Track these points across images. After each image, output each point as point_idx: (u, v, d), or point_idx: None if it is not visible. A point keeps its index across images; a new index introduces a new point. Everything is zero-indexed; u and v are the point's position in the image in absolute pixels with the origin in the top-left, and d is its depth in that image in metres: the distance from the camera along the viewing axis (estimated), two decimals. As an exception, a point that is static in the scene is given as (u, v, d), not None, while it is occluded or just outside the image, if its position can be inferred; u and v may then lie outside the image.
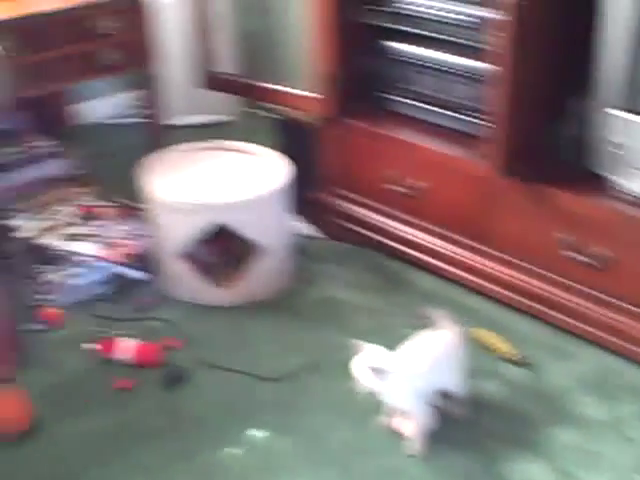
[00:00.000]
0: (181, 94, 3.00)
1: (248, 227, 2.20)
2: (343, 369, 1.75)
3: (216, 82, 2.69)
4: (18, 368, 1.97)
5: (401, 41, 2.34)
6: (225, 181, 2.26)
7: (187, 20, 2.67)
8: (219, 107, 3.09)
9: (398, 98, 2.40)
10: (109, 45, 2.38)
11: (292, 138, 2.48)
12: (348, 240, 2.56)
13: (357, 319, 2.24)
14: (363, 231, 2.52)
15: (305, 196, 2.54)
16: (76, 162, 2.69)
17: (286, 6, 2.46)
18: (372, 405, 1.79)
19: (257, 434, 1.84)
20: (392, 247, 2.45)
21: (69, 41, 2.31)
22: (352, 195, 2.53)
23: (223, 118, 3.25)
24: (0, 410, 1.84)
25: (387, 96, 2.42)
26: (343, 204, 2.55)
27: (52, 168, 2.62)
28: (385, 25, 2.32)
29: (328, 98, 2.41)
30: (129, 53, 2.46)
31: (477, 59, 2.14)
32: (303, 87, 2.47)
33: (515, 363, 2.04)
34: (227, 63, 2.67)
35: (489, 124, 2.08)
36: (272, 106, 2.63)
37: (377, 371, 1.67)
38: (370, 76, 2.42)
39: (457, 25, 2.15)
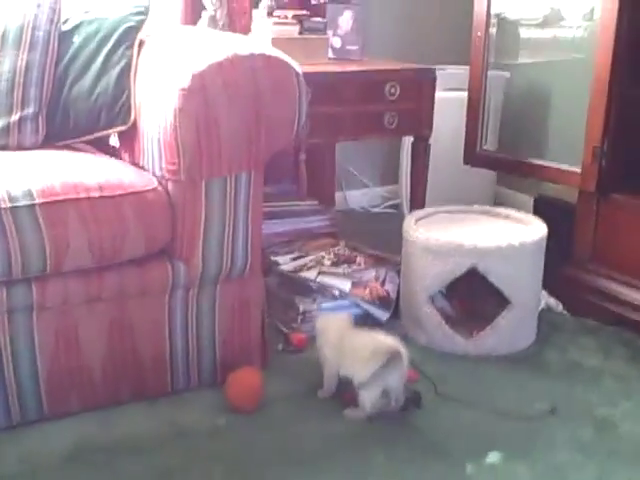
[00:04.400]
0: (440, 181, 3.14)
1: (499, 276, 2.21)
2: (587, 418, 1.90)
3: (481, 159, 2.81)
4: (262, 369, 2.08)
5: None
6: (483, 233, 2.31)
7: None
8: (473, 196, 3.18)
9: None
10: (392, 109, 2.58)
11: (548, 216, 2.50)
12: (597, 318, 2.47)
13: (603, 381, 2.14)
14: (616, 308, 2.42)
15: (557, 272, 2.52)
16: (333, 221, 2.88)
17: (556, 83, 2.57)
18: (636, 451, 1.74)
19: (496, 458, 1.78)
20: (647, 325, 2.33)
21: (359, 100, 2.53)
22: (608, 271, 2.46)
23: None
24: (239, 390, 1.95)
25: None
26: (597, 280, 2.49)
27: (314, 223, 2.83)
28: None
29: (590, 173, 2.42)
30: (409, 119, 2.63)
31: None
32: (565, 162, 2.52)
33: None
34: (491, 142, 2.80)
35: None
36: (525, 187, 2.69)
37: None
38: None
39: None
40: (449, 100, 3.09)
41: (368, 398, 1.90)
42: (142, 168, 1.95)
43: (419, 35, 3.53)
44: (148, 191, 1.82)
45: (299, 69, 1.88)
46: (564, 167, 2.52)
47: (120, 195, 1.78)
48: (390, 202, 3.75)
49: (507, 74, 2.84)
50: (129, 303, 1.88)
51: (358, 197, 3.73)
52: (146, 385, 1.97)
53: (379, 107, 2.56)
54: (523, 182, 3.14)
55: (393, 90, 2.55)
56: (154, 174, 1.89)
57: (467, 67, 2.83)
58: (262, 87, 1.81)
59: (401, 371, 1.90)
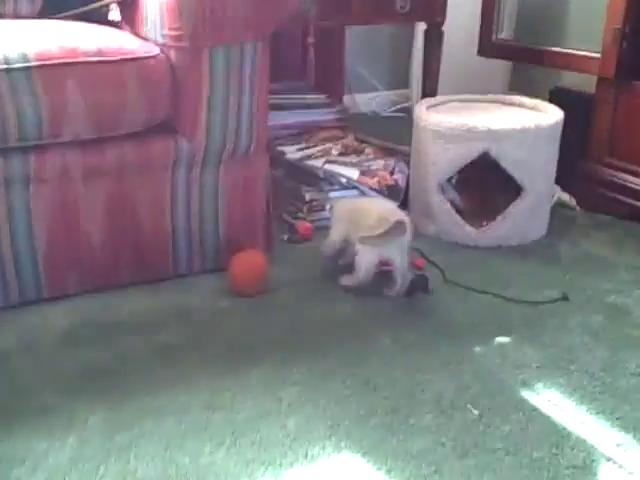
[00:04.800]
0: (453, 72, 3.03)
1: (512, 161, 2.13)
2: (599, 305, 1.86)
3: (495, 49, 2.70)
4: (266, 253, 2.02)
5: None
6: (496, 118, 2.22)
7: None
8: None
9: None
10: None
11: (564, 108, 2.40)
12: (612, 213, 2.41)
13: (615, 271, 2.09)
14: (631, 201, 2.35)
15: (572, 167, 2.45)
16: (342, 114, 2.79)
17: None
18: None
19: (505, 340, 1.74)
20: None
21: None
22: (625, 164, 2.38)
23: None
24: (243, 271, 1.91)
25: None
26: (613, 174, 2.41)
27: (322, 115, 2.74)
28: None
29: (610, 57, 2.32)
30: (422, 3, 2.51)
31: None
32: (583, 48, 2.42)
33: None
34: (506, 31, 2.69)
35: None
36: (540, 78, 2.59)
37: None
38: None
39: None
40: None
41: (363, 262, 1.87)
42: (144, 38, 1.85)
43: None
44: (149, 57, 1.73)
45: None
46: (583, 53, 2.43)
47: (120, 60, 1.68)
48: (400, 105, 3.65)
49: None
50: (129, 178, 1.81)
51: (367, 100, 3.64)
52: (147, 267, 1.92)
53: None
54: (539, 74, 3.03)
55: (406, -29, 2.43)
56: (156, 43, 1.79)
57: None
58: (268, -54, 1.71)
59: (401, 243, 1.87)
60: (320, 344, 1.71)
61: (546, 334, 1.78)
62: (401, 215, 1.89)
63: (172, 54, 1.77)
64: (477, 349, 1.71)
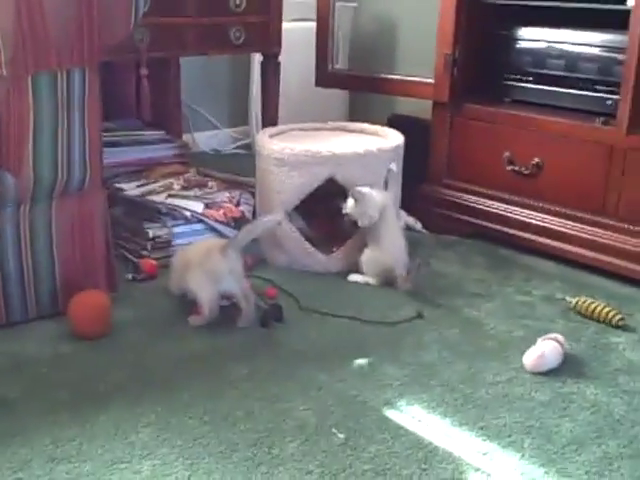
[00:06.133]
0: (292, 104, 3.03)
1: (358, 184, 2.12)
2: (453, 319, 1.90)
3: (332, 79, 2.72)
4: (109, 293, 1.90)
5: (527, 24, 2.33)
6: (339, 145, 2.21)
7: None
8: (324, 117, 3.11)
9: (515, 83, 2.36)
10: (238, 22, 2.43)
11: (403, 134, 2.45)
12: (456, 232, 2.46)
13: (464, 286, 2.13)
14: (473, 220, 2.41)
15: (414, 191, 2.48)
16: (182, 150, 2.71)
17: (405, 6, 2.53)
18: (501, 346, 1.77)
19: (364, 361, 1.71)
20: (504, 232, 2.34)
21: (203, 11, 2.37)
22: (464, 184, 2.44)
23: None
24: (84, 312, 1.78)
25: (506, 82, 2.38)
26: (453, 194, 2.46)
27: (161, 152, 2.65)
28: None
29: (443, 82, 2.38)
30: (257, 34, 2.50)
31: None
32: (417, 74, 2.48)
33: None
34: (342, 61, 2.72)
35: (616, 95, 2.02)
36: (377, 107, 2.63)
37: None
38: (489, 62, 2.40)
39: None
40: (297, 30, 3.02)
41: (205, 300, 1.83)
42: (-43, 70, 1.71)
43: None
44: (-36, 86, 1.59)
45: (134, -47, 1.71)
46: (417, 79, 2.48)
47: None
48: (241, 142, 3.62)
49: (355, 4, 2.77)
50: (-51, 220, 1.65)
51: (207, 139, 3.58)
52: (-25, 316, 1.75)
53: (224, 19, 2.40)
54: (376, 103, 3.09)
55: (238, 1, 2.40)
56: (-28, 72, 1.66)
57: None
58: (92, -32, 1.62)
59: (234, 270, 1.85)
60: (173, 381, 1.60)
61: (405, 352, 1.76)
62: (220, 243, 1.89)
63: (-9, 83, 1.64)
64: (337, 372, 1.66)
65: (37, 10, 1.58)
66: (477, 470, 1.36)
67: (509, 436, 1.45)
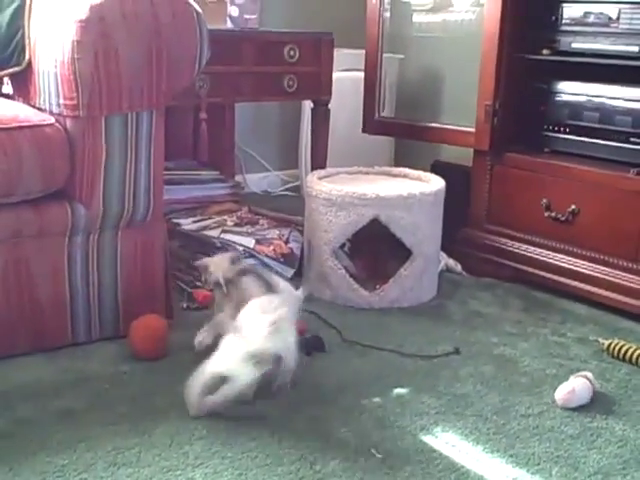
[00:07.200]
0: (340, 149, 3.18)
1: (400, 226, 2.24)
2: (488, 356, 1.99)
3: (378, 126, 2.87)
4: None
5: (565, 78, 2.44)
6: (384, 188, 2.34)
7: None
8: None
9: (554, 134, 2.47)
10: (292, 71, 2.60)
11: (444, 180, 2.57)
12: (495, 275, 2.56)
13: (500, 326, 2.21)
14: (511, 264, 2.51)
15: (455, 234, 2.60)
16: (235, 189, 2.87)
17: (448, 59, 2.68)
18: (534, 382, 1.86)
19: (403, 391, 1.81)
20: (541, 276, 2.44)
21: (259, 61, 2.55)
22: (503, 229, 2.55)
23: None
24: (144, 334, 1.91)
25: (544, 133, 2.49)
26: (493, 239, 2.57)
27: (215, 190, 2.81)
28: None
29: (483, 131, 2.51)
30: (308, 82, 2.66)
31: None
32: (459, 123, 2.61)
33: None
34: (387, 109, 2.86)
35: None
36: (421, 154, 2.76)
37: None
38: (528, 113, 2.52)
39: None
40: (346, 79, 3.17)
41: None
42: (38, 109, 1.88)
43: (313, 14, 3.56)
44: (45, 125, 1.77)
45: (199, 8, 1.87)
46: (459, 128, 2.61)
47: (16, 128, 1.71)
48: (290, 185, 3.77)
49: (401, 56, 2.92)
50: (25, 245, 1.80)
51: (258, 180, 3.74)
52: (45, 335, 1.89)
53: (278, 69, 2.57)
54: (420, 150, 3.22)
55: (292, 53, 2.57)
56: (51, 112, 1.83)
57: (361, 50, 2.90)
58: (162, 20, 1.78)
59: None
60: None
61: (441, 384, 1.85)
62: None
63: (68, 123, 1.80)
64: (377, 400, 1.76)
65: (113, 58, 1.75)
66: (506, 493, 1.45)
67: (538, 464, 1.54)
